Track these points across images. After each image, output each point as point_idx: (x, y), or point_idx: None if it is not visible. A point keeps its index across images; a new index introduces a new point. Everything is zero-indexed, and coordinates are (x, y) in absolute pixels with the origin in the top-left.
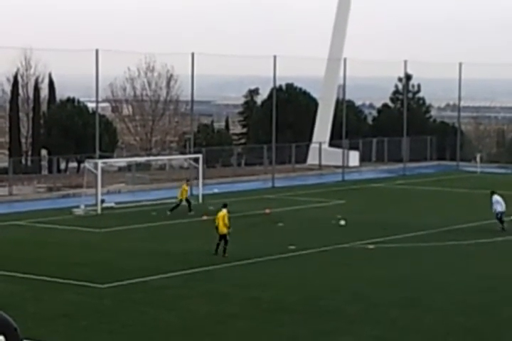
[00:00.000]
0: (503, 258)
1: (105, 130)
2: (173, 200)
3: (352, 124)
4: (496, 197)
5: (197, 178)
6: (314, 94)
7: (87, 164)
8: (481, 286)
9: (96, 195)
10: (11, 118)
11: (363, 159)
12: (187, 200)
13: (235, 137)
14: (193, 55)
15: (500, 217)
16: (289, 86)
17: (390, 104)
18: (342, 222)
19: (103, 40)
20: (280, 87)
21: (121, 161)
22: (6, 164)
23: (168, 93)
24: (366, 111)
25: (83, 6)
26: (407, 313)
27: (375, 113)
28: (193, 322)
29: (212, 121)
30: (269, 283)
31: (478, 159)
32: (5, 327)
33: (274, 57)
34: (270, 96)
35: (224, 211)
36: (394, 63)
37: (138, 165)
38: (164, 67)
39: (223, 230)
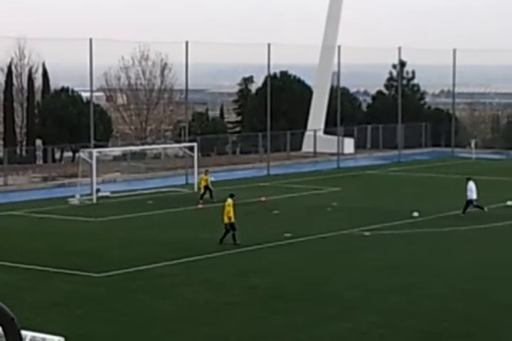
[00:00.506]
0: (500, 244)
1: (100, 119)
2: (169, 189)
3: (347, 111)
4: (470, 184)
5: (192, 167)
6: (309, 82)
7: (82, 153)
8: (478, 272)
9: (91, 184)
10: (5, 109)
11: (358, 146)
12: (207, 188)
13: (230, 125)
14: (187, 43)
15: (468, 204)
16: (284, 74)
17: (385, 91)
18: (415, 214)
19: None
20: (274, 74)
21: (116, 150)
22: (0, 154)
23: (162, 82)
24: (361, 98)
25: None
26: (405, 299)
27: (369, 100)
28: (190, 311)
29: (207, 110)
30: (266, 270)
31: (472, 145)
32: (2, 317)
33: (269, 45)
34: (265, 84)
35: (229, 201)
36: (388, 50)
37: (133, 154)
38: (158, 56)
39: (224, 219)
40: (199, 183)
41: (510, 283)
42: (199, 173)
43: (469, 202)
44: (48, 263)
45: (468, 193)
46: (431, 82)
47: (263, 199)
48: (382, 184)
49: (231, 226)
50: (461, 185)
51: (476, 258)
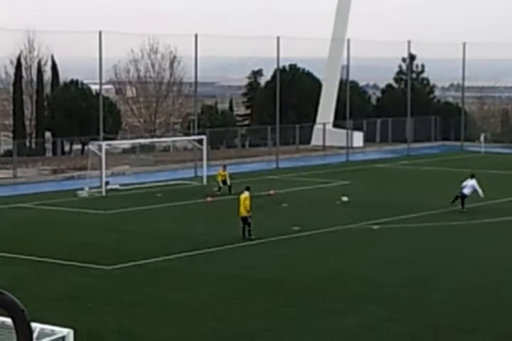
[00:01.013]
0: (509, 238)
1: (109, 112)
2: (178, 181)
3: (356, 105)
4: (472, 182)
5: (201, 160)
6: (318, 75)
7: (91, 146)
8: (487, 266)
9: (100, 176)
10: (15, 101)
11: (367, 140)
12: (224, 182)
13: (239, 118)
14: (196, 36)
15: (457, 198)
16: (293, 67)
17: (394, 85)
18: (344, 198)
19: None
20: (284, 68)
21: (126, 143)
22: (10, 146)
23: (171, 74)
24: (370, 92)
25: None
26: (413, 293)
27: (378, 93)
28: (198, 304)
29: (216, 103)
30: (274, 264)
31: (482, 139)
32: (12, 309)
33: (278, 38)
34: (274, 77)
35: (246, 194)
36: (398, 43)
37: (142, 146)
38: (168, 49)
39: (242, 213)
40: (216, 177)
41: None
42: (208, 166)
43: (462, 196)
44: (57, 256)
45: (465, 189)
46: (440, 76)
47: (271, 192)
48: (391, 178)
49: (247, 220)
50: None
51: (484, 252)
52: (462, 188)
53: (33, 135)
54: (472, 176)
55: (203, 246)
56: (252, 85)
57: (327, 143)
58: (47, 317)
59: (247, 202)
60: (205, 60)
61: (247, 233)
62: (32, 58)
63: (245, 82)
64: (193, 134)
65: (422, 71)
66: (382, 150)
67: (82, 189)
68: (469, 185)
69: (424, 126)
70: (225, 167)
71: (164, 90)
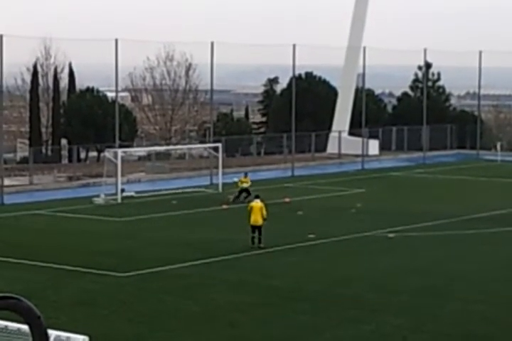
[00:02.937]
0: None
1: (125, 119)
2: (193, 189)
3: (372, 113)
4: None
5: (216, 167)
6: (334, 83)
7: (107, 153)
8: (502, 275)
9: (116, 184)
10: (31, 108)
11: (383, 148)
12: (247, 191)
13: (255, 126)
14: (212, 44)
15: None
16: (309, 75)
17: (410, 93)
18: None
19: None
20: (299, 75)
21: (141, 150)
22: (26, 153)
23: (187, 82)
24: (386, 100)
25: None
26: (428, 301)
27: (394, 101)
28: (213, 311)
29: (232, 110)
30: (289, 271)
31: (498, 147)
32: (29, 316)
33: (294, 45)
34: (290, 85)
35: (259, 202)
36: (414, 51)
37: (157, 154)
38: (183, 56)
39: (259, 221)
40: (238, 184)
41: None
42: (223, 174)
43: None
44: (73, 263)
45: None
46: (456, 84)
47: (287, 200)
48: (406, 186)
49: (260, 229)
50: (487, 188)
51: (500, 260)
52: None
53: (49, 142)
54: None
55: (218, 254)
56: (268, 93)
57: (343, 151)
58: (63, 323)
59: (264, 211)
60: (221, 67)
61: (257, 241)
62: (48, 65)
63: (261, 89)
64: (209, 142)
65: (438, 79)
66: (397, 158)
67: (97, 196)
68: None
69: (439, 134)
70: (246, 174)
71: (180, 98)
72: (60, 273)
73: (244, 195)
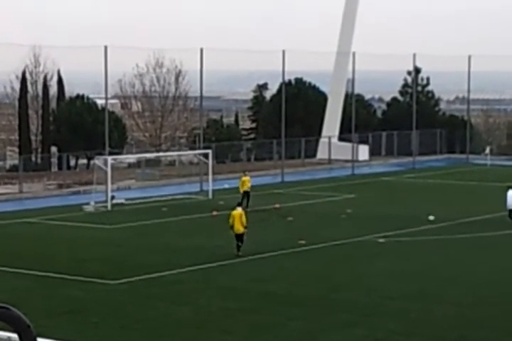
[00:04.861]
0: None
1: (114, 126)
2: (184, 196)
3: (361, 118)
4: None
5: (207, 174)
6: (323, 88)
7: (97, 161)
8: (493, 279)
9: (106, 191)
10: (21, 116)
11: (373, 153)
12: (247, 194)
13: (245, 132)
14: (201, 50)
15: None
16: (298, 80)
17: (400, 98)
18: (431, 217)
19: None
20: (289, 81)
21: (131, 157)
22: (16, 161)
23: (177, 89)
24: (375, 105)
25: (91, 1)
26: (420, 306)
27: (384, 106)
28: (205, 317)
29: (222, 117)
30: (281, 277)
31: (488, 152)
32: (18, 325)
33: (283, 51)
34: (279, 90)
35: (239, 210)
36: (403, 56)
37: (147, 161)
38: (173, 63)
39: (240, 229)
40: (242, 186)
41: None
42: (214, 180)
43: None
44: (63, 270)
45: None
46: (446, 89)
47: (277, 206)
48: (397, 191)
49: (241, 237)
50: (477, 192)
51: (491, 264)
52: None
53: (39, 150)
54: (509, 187)
55: (209, 260)
56: (258, 99)
57: (333, 157)
58: (52, 332)
59: (244, 219)
60: (211, 73)
61: (236, 249)
62: (38, 73)
63: (251, 95)
64: (199, 148)
65: (428, 84)
66: (387, 163)
67: (87, 203)
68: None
69: (429, 139)
70: (245, 172)
71: (170, 104)
72: (49, 280)
73: (245, 200)
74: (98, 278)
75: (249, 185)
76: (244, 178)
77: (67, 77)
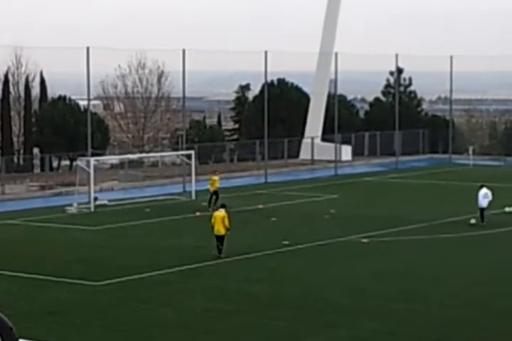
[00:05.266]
0: (498, 251)
1: (97, 127)
2: (166, 197)
3: (344, 118)
4: (485, 191)
5: (189, 175)
6: (306, 89)
7: (80, 162)
8: (477, 278)
9: (89, 192)
10: (3, 117)
11: (356, 153)
12: (215, 193)
13: (227, 133)
14: (183, 51)
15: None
16: (281, 81)
17: (382, 98)
18: (472, 221)
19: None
20: (272, 82)
21: (114, 158)
22: None
23: (159, 90)
24: (358, 105)
25: (73, 2)
26: (404, 306)
27: (367, 107)
28: (190, 318)
29: (204, 117)
30: (265, 278)
31: (470, 152)
32: (0, 327)
33: (265, 52)
34: (262, 91)
35: (222, 211)
36: (385, 57)
37: (130, 162)
38: (155, 64)
39: (221, 231)
40: (212, 185)
41: (509, 288)
42: (196, 181)
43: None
44: (46, 272)
45: (482, 201)
46: (428, 89)
47: (260, 206)
48: (380, 191)
49: (222, 239)
50: (459, 192)
51: (475, 264)
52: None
53: (21, 151)
54: (482, 186)
55: (193, 261)
56: (240, 100)
57: (315, 157)
58: (35, 334)
59: (227, 221)
60: (193, 74)
61: (217, 251)
62: (20, 74)
63: (233, 96)
64: (182, 149)
65: (410, 84)
66: (370, 163)
67: (70, 205)
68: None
69: (412, 139)
70: (215, 172)
71: (152, 105)
72: (32, 282)
73: (214, 198)
74: (82, 279)
75: (217, 185)
76: (214, 177)
77: (50, 78)
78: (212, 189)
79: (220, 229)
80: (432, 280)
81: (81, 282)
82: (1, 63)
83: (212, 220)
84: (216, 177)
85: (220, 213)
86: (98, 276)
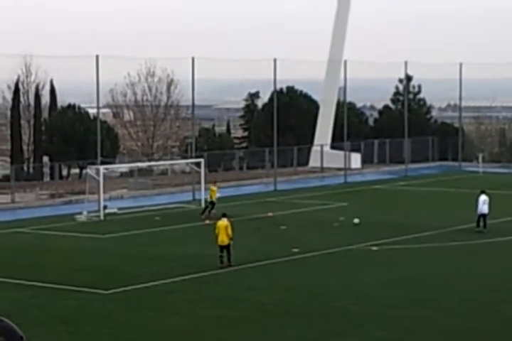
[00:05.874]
0: (507, 258)
1: (107, 136)
2: (175, 205)
3: (353, 126)
4: (484, 197)
5: (199, 183)
6: (315, 97)
7: (89, 170)
8: (486, 286)
9: (98, 201)
10: (13, 126)
11: (365, 161)
12: (211, 203)
13: (237, 141)
14: (193, 59)
15: (480, 218)
16: (290, 89)
17: (391, 106)
18: (356, 220)
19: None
20: (281, 90)
21: (123, 167)
22: (8, 171)
23: (168, 98)
24: (367, 113)
25: (83, 11)
26: (413, 314)
27: (376, 114)
28: (198, 327)
29: (214, 125)
30: (274, 286)
31: (480, 159)
32: (11, 336)
33: (275, 60)
34: (271, 99)
35: (225, 221)
36: (394, 64)
37: (140, 170)
38: (164, 72)
39: (225, 241)
40: (210, 196)
41: None
42: (206, 189)
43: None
44: (56, 280)
45: (482, 207)
46: (437, 96)
47: (270, 214)
48: (389, 199)
49: (228, 248)
50: (469, 200)
51: (483, 271)
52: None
53: (31, 159)
54: (482, 192)
55: (202, 269)
56: (250, 107)
57: (325, 165)
58: None
59: (230, 230)
60: (202, 82)
61: (226, 260)
62: (29, 83)
63: (242, 104)
64: (191, 157)
65: (419, 92)
66: (380, 171)
67: (80, 213)
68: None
69: (421, 146)
70: (215, 182)
71: (161, 113)
72: (43, 290)
73: (210, 207)
74: (91, 287)
75: (215, 195)
76: (213, 188)
77: (59, 87)
78: (209, 199)
79: (224, 239)
80: (441, 288)
81: (91, 290)
82: (11, 72)
83: (216, 231)
84: (214, 188)
85: (223, 222)
86: (107, 284)
